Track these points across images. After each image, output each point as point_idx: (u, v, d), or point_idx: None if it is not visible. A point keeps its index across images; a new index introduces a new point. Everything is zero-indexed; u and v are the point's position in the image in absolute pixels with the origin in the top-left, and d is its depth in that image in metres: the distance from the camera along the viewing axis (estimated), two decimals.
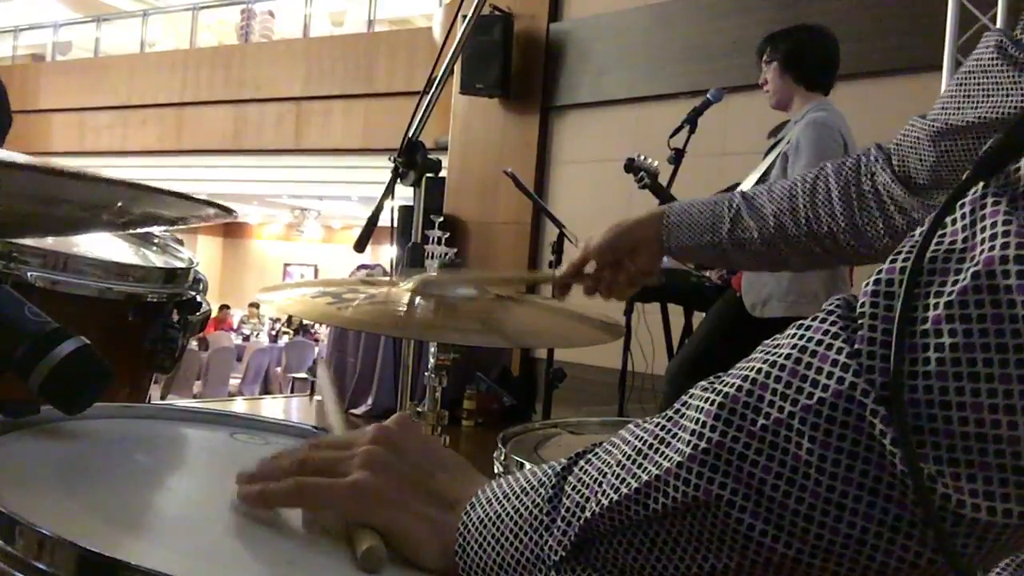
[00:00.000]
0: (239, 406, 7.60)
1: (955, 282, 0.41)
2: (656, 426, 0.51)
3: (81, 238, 1.30)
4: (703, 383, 0.50)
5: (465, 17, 1.70)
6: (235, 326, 14.78)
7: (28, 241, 1.14)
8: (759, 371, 0.47)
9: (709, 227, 1.19)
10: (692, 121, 3.66)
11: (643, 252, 1.23)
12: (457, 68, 5.95)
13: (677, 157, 3.67)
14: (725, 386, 0.48)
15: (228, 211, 0.74)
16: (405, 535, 0.58)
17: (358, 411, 5.65)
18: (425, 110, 1.64)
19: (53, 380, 0.70)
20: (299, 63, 11.94)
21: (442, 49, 1.71)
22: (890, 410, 0.42)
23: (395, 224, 1.97)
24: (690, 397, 0.51)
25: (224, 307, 14.72)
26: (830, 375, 0.44)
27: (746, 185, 3.11)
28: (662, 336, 4.23)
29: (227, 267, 19.90)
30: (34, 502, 0.57)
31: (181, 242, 1.53)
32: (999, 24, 3.76)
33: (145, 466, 0.74)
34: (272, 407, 7.47)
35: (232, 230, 20.07)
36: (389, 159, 1.68)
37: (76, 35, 16.44)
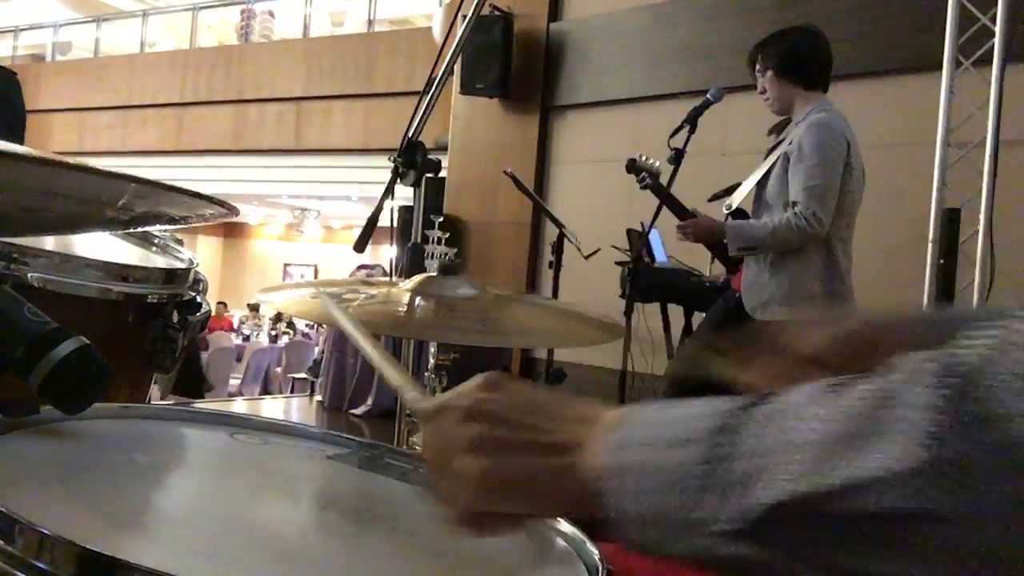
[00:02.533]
0: (239, 406, 7.60)
1: None
2: (854, 410, 0.45)
3: (81, 239, 1.30)
4: (920, 357, 0.44)
5: (465, 17, 1.70)
6: (235, 326, 14.77)
7: (28, 241, 1.13)
8: (1003, 367, 0.41)
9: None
10: (692, 121, 3.66)
11: None
12: (457, 68, 5.95)
13: (677, 157, 3.66)
14: (960, 377, 0.42)
15: (230, 209, 0.74)
16: (535, 496, 0.55)
17: (358, 411, 5.64)
18: (425, 110, 1.64)
19: (53, 380, 0.70)
20: (299, 63, 11.94)
21: (442, 49, 1.71)
22: None
23: (395, 224, 1.97)
24: (905, 375, 0.44)
25: (220, 304, 14.61)
26: None
27: (747, 186, 3.11)
28: (662, 336, 4.23)
29: (227, 267, 19.89)
30: (34, 502, 0.57)
31: (181, 242, 1.52)
32: (999, 24, 3.76)
33: (145, 466, 0.74)
34: (272, 407, 7.47)
35: (232, 230, 20.07)
36: (389, 159, 1.69)
37: (76, 35, 16.43)
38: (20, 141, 2.99)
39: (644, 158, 3.32)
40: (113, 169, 0.62)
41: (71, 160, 0.58)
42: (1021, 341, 0.41)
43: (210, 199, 0.71)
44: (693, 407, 0.51)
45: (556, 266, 4.33)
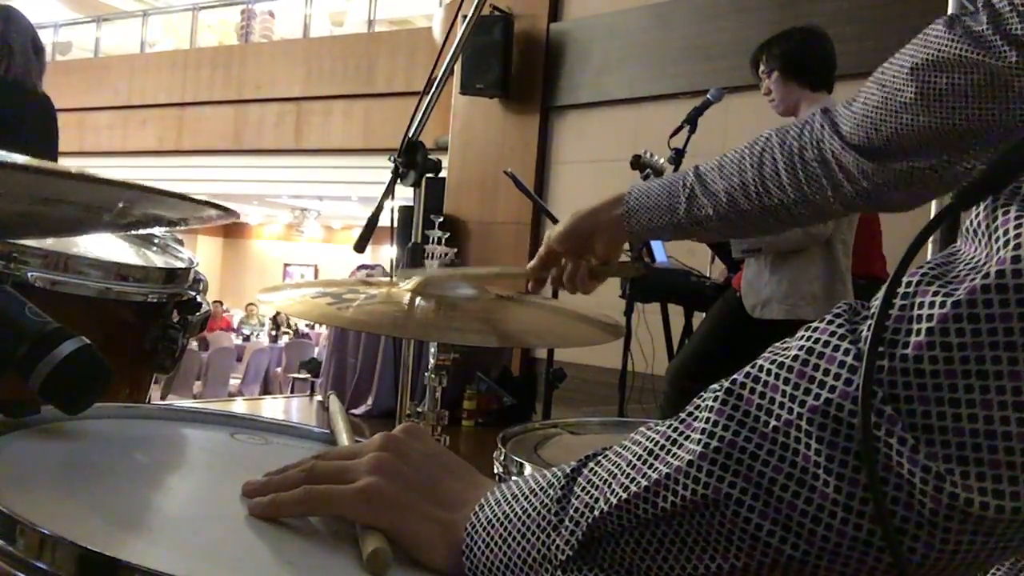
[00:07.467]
0: (239, 406, 7.60)
1: (966, 284, 0.42)
2: (668, 427, 0.52)
3: (81, 238, 1.30)
4: (714, 385, 0.50)
5: (465, 17, 1.70)
6: (234, 325, 14.75)
7: (28, 241, 1.14)
8: (768, 372, 0.47)
9: (667, 208, 1.18)
10: (692, 121, 3.66)
11: (601, 238, 1.22)
12: (457, 68, 5.95)
13: (677, 157, 3.66)
14: (736, 387, 0.49)
15: (229, 212, 0.74)
16: (413, 537, 0.59)
17: (358, 411, 5.65)
18: (425, 110, 1.64)
19: (54, 380, 0.70)
20: (299, 63, 11.94)
21: (442, 49, 1.71)
22: (897, 409, 0.42)
23: (395, 224, 1.97)
24: (701, 399, 0.51)
25: (216, 302, 14.50)
26: (837, 376, 0.44)
27: None
28: (662, 336, 4.23)
29: (227, 267, 19.89)
30: (34, 502, 0.57)
31: (181, 242, 1.53)
32: None
33: (145, 466, 0.74)
34: (272, 407, 7.47)
35: (232, 230, 20.07)
36: (389, 159, 1.69)
37: (76, 35, 16.43)
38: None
39: (649, 154, 3.31)
40: (113, 170, 0.62)
41: (68, 166, 0.58)
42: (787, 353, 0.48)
43: (208, 204, 0.71)
44: (557, 467, 0.57)
45: None
